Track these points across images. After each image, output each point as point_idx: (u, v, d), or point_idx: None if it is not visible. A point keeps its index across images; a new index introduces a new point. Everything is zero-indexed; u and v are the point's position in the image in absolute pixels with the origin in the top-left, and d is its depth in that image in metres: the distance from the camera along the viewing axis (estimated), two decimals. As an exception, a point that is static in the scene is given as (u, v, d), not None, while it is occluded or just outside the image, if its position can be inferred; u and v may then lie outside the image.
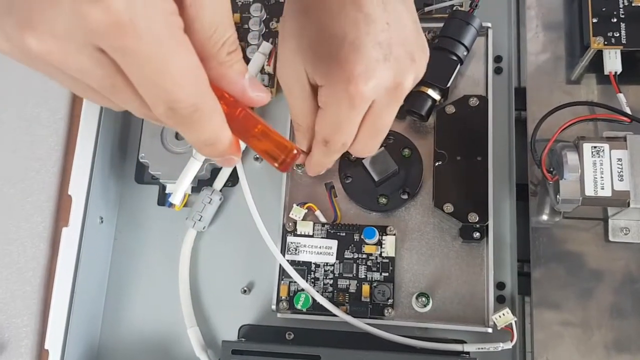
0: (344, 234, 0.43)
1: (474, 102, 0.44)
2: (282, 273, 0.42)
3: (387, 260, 0.42)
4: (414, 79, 0.34)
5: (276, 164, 0.28)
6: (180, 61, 0.22)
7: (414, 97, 0.43)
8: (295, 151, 0.27)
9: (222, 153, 0.26)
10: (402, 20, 0.34)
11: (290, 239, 0.43)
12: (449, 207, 0.41)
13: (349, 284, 0.42)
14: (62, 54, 0.21)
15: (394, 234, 0.42)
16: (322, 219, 0.44)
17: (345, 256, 0.42)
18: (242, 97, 0.26)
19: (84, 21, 0.20)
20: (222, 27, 0.24)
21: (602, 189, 0.38)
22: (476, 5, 0.44)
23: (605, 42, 0.43)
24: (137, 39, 0.21)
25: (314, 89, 0.35)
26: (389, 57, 0.32)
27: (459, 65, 0.43)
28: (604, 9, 0.43)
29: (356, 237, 0.43)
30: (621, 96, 0.42)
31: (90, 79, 0.23)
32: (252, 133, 0.27)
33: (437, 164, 0.43)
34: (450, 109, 0.44)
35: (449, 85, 0.43)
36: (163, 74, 0.22)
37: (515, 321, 0.39)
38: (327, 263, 0.42)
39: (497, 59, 0.46)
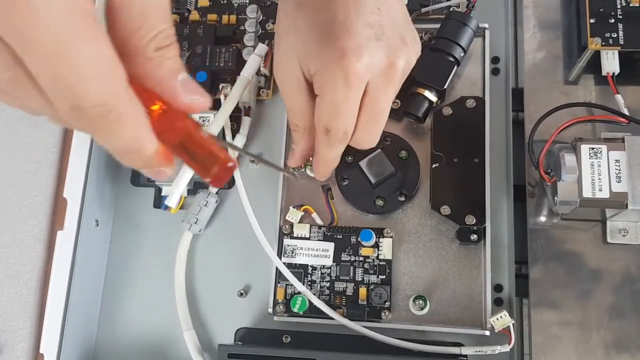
0: (340, 237, 0.43)
1: (471, 103, 0.43)
2: (279, 276, 0.42)
3: (384, 263, 0.42)
4: (407, 62, 0.35)
5: (208, 178, 0.24)
6: (86, 50, 0.19)
7: (411, 99, 0.43)
8: (230, 164, 0.24)
9: (147, 163, 0.23)
10: (393, 7, 0.34)
11: (286, 241, 0.43)
12: (446, 209, 0.41)
13: (346, 287, 0.42)
14: None
15: (391, 237, 0.42)
16: (319, 222, 0.43)
17: (342, 259, 0.42)
18: (174, 101, 0.23)
19: None
20: (154, 18, 0.22)
21: (600, 190, 0.38)
22: (473, 6, 0.44)
23: (603, 43, 0.43)
24: (31, 20, 0.18)
25: (310, 87, 0.35)
26: (381, 37, 0.33)
27: (455, 67, 0.43)
28: (601, 10, 0.43)
29: (353, 239, 0.42)
30: (619, 97, 0.42)
31: None
32: (181, 141, 0.23)
33: (434, 165, 0.43)
34: (447, 111, 0.43)
35: (445, 86, 0.43)
36: (64, 65, 0.19)
37: (513, 324, 0.38)
38: (323, 266, 0.42)
39: (495, 59, 0.46)
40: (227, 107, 0.43)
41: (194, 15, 0.49)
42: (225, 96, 0.44)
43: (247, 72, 0.44)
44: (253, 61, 0.44)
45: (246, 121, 0.45)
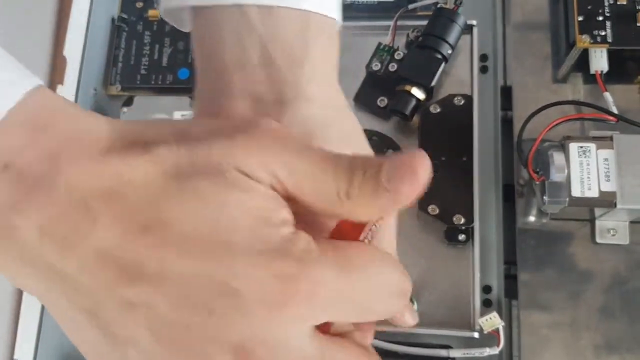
0: (326, 237, 0.42)
1: (459, 100, 0.43)
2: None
3: (371, 264, 0.41)
4: None
5: None
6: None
7: (398, 97, 0.43)
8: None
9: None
10: None
11: (271, 242, 0.42)
12: (433, 209, 0.41)
13: (332, 289, 0.41)
14: None
15: (378, 237, 0.41)
16: (305, 222, 0.43)
17: (328, 260, 0.41)
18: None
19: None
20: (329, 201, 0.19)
21: (589, 189, 0.38)
22: (460, 3, 0.43)
23: (591, 41, 0.42)
24: None
25: None
26: None
27: (443, 64, 0.43)
28: (589, 7, 0.43)
29: (339, 240, 0.42)
30: (608, 95, 0.42)
31: None
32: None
33: (421, 164, 0.42)
34: (435, 108, 0.43)
35: (433, 84, 0.42)
36: None
37: (503, 325, 0.38)
38: (309, 267, 0.41)
39: (483, 57, 0.45)
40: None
41: (177, 11, 0.48)
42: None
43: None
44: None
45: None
